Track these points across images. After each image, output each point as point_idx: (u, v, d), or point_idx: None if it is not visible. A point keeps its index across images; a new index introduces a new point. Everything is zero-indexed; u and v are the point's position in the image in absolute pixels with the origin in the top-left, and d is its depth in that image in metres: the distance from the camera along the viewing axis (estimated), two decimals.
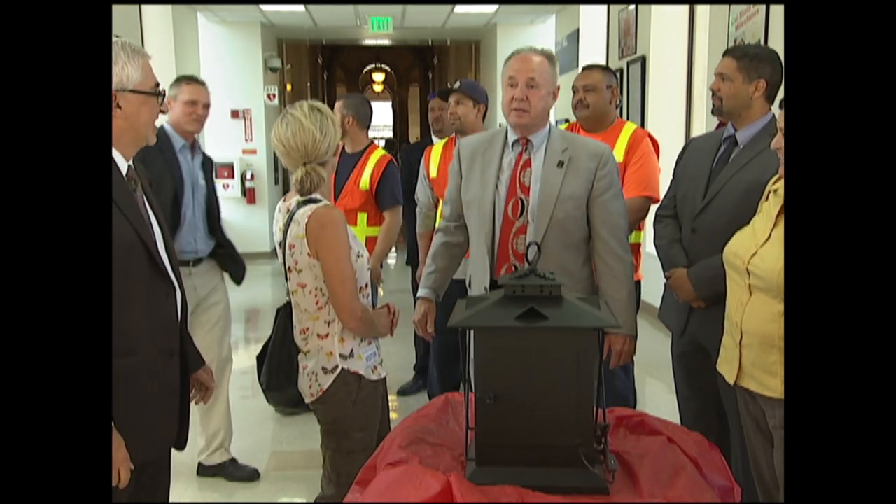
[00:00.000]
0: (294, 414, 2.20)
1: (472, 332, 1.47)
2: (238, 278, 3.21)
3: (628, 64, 6.32)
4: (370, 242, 3.48)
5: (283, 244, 2.07)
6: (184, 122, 2.99)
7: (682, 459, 1.46)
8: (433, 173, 3.60)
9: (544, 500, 1.32)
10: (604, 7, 7.00)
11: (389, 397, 2.30)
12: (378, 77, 22.40)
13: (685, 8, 5.48)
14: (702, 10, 5.24)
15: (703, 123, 5.02)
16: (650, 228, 2.61)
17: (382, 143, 13.93)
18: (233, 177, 8.79)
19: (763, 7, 4.14)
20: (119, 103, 1.60)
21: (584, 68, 3.18)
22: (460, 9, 8.69)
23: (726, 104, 2.28)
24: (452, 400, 1.75)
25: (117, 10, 5.35)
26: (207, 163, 3.17)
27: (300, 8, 8.54)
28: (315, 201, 2.01)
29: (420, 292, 2.46)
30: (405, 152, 4.72)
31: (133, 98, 1.61)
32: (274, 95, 9.38)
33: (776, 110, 2.12)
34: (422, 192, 3.72)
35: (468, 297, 1.57)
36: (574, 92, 3.06)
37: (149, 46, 6.07)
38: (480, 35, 10.69)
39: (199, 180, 3.06)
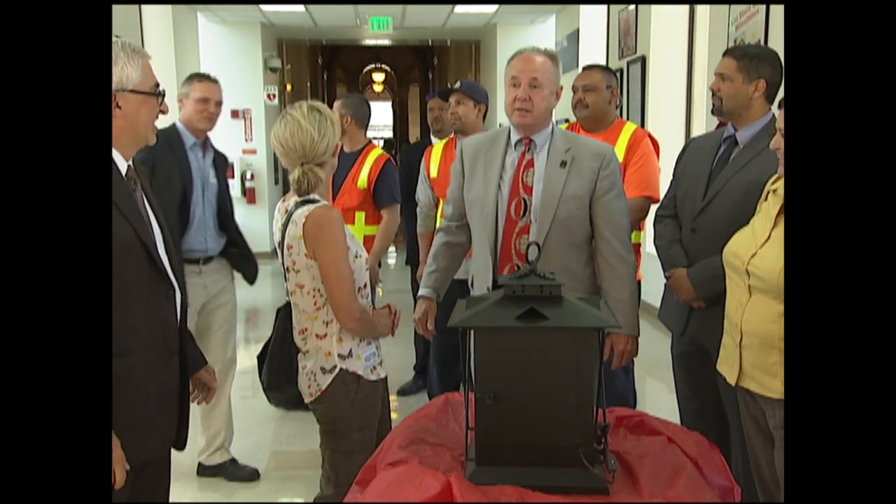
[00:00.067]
0: (297, 410, 2.19)
1: (472, 332, 1.47)
2: (251, 278, 3.20)
3: (628, 64, 6.32)
4: (368, 241, 3.49)
5: (281, 244, 2.07)
6: (195, 120, 2.98)
7: (682, 459, 1.46)
8: (433, 173, 3.60)
9: (544, 500, 1.32)
10: (604, 7, 7.00)
11: (389, 397, 2.30)
12: (378, 77, 22.40)
13: (685, 8, 5.48)
14: (702, 10, 5.24)
15: (703, 123, 5.02)
16: (650, 228, 2.61)
17: (381, 143, 13.94)
18: (233, 177, 8.79)
19: (763, 7, 4.14)
20: (118, 103, 1.59)
21: (583, 68, 3.18)
22: (460, 9, 8.69)
23: (726, 104, 2.28)
24: (452, 400, 1.75)
25: (117, 10, 5.35)
26: (220, 160, 3.14)
27: (300, 8, 8.54)
28: (313, 202, 2.01)
29: (421, 291, 2.46)
30: (405, 152, 4.72)
31: (132, 98, 1.61)
32: (274, 95, 9.38)
33: (775, 110, 2.12)
34: (422, 192, 3.72)
35: (468, 297, 1.57)
36: (574, 92, 3.06)
37: (149, 46, 6.07)
38: (480, 35, 10.69)
39: (209, 178, 3.04)
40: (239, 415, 3.39)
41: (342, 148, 3.62)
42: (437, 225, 3.62)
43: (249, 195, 9.02)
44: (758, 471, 2.01)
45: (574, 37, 7.86)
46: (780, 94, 2.15)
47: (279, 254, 2.11)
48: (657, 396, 4.22)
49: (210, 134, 3.10)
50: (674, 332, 2.49)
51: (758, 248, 1.84)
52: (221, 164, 3.16)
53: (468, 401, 1.52)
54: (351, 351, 2.05)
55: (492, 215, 2.26)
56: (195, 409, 2.10)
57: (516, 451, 1.40)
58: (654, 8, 5.86)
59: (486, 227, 2.27)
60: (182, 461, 3.05)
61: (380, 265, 3.70)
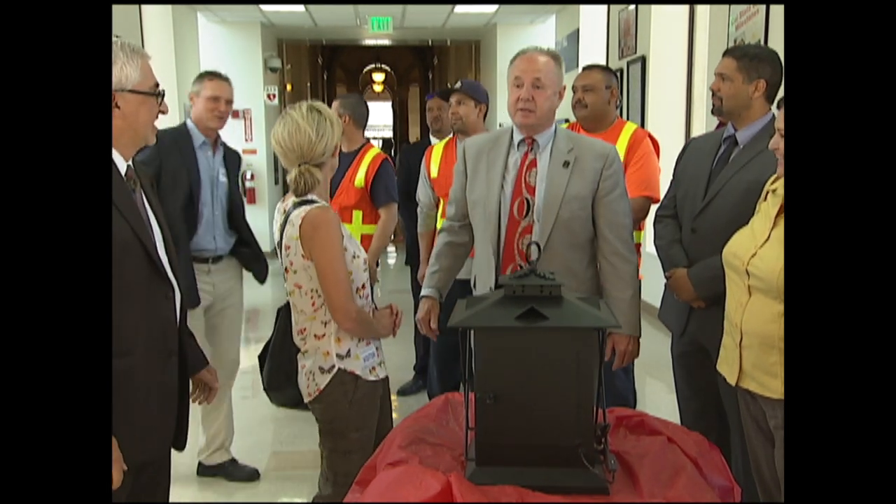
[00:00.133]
0: (298, 409, 2.19)
1: (472, 331, 1.47)
2: (261, 277, 3.19)
3: (628, 64, 6.32)
4: (365, 240, 3.49)
5: (280, 244, 2.07)
6: (206, 119, 2.96)
7: (682, 459, 1.46)
8: (434, 173, 3.61)
9: (544, 500, 1.32)
10: (604, 7, 7.01)
11: (391, 397, 2.30)
12: (378, 77, 22.40)
13: (685, 8, 5.48)
14: (702, 10, 5.24)
15: (703, 123, 5.02)
16: (650, 228, 2.61)
17: (379, 143, 13.93)
18: None
19: (763, 7, 4.14)
20: (118, 103, 1.59)
21: (583, 68, 3.18)
22: (460, 9, 8.69)
23: (726, 104, 2.28)
24: (452, 400, 1.75)
25: (117, 10, 5.35)
26: (231, 158, 3.12)
27: (300, 8, 8.54)
28: (310, 202, 2.01)
29: (424, 291, 2.46)
30: (405, 152, 4.72)
31: (132, 98, 1.61)
32: (274, 95, 9.39)
33: (775, 111, 2.12)
34: (423, 192, 3.72)
35: (468, 297, 1.57)
36: (573, 92, 3.06)
37: (149, 46, 6.07)
38: (480, 35, 10.69)
39: (219, 177, 3.02)
40: (239, 415, 3.39)
41: (340, 148, 3.61)
42: (438, 225, 3.65)
43: (249, 195, 9.02)
44: (758, 471, 2.01)
45: (574, 37, 7.86)
46: (780, 94, 2.15)
47: (279, 254, 2.11)
48: (657, 396, 4.22)
49: None
50: (674, 332, 2.49)
51: (757, 249, 1.84)
52: (232, 162, 3.13)
53: (468, 401, 1.52)
54: (349, 351, 2.05)
55: (494, 215, 2.26)
56: (195, 409, 2.10)
57: (516, 451, 1.40)
58: (654, 8, 5.86)
59: (488, 227, 2.27)
60: (182, 461, 3.05)
61: (378, 265, 3.70)
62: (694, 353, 2.38)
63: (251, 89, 9.03)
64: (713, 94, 2.33)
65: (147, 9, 6.45)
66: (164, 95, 1.70)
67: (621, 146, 2.93)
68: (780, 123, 1.81)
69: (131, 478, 1.61)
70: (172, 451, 1.85)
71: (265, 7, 8.39)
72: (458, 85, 3.58)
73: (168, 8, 7.17)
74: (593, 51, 7.23)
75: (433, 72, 17.76)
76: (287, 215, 2.03)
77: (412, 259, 4.24)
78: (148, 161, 2.84)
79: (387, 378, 2.21)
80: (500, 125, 8.57)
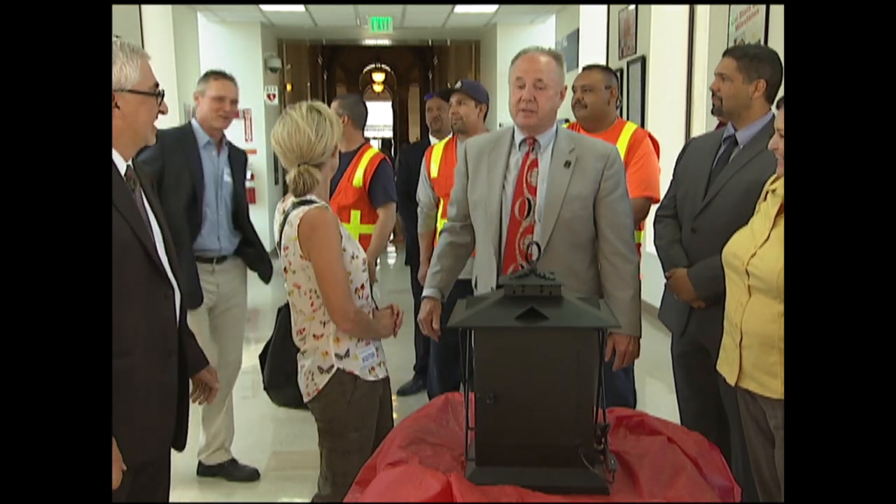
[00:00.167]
0: (299, 409, 2.19)
1: (472, 331, 1.47)
2: (266, 277, 3.18)
3: (628, 64, 6.32)
4: (363, 240, 3.49)
5: (280, 245, 2.07)
6: (210, 119, 2.94)
7: (682, 459, 1.46)
8: (434, 173, 3.61)
9: (544, 500, 1.32)
10: (604, 7, 7.01)
11: (392, 398, 2.30)
12: (378, 77, 22.40)
13: (685, 8, 5.48)
14: (702, 10, 5.24)
15: (703, 123, 5.02)
16: (650, 228, 2.61)
17: (378, 143, 13.93)
18: None
19: (763, 7, 4.14)
20: (117, 103, 1.59)
21: (583, 68, 3.18)
22: (460, 9, 8.69)
23: (726, 104, 2.28)
24: (452, 400, 1.75)
25: (117, 10, 5.35)
26: (236, 157, 3.10)
27: (300, 8, 8.54)
28: (309, 202, 2.01)
29: (425, 292, 2.46)
30: (404, 152, 4.72)
31: (131, 98, 1.61)
32: (274, 95, 9.38)
33: (774, 111, 2.12)
34: (423, 192, 3.72)
35: (468, 297, 1.57)
36: (573, 92, 3.06)
37: (149, 46, 6.08)
38: (480, 35, 10.69)
39: (224, 177, 3.01)
40: (239, 415, 3.39)
41: (338, 147, 3.62)
42: (438, 225, 3.65)
43: (249, 195, 8.96)
44: (758, 471, 2.01)
45: (574, 37, 7.86)
46: (780, 94, 2.15)
47: (279, 254, 2.11)
48: (657, 396, 4.22)
49: None
50: (674, 332, 2.49)
51: (757, 249, 1.84)
52: (238, 161, 3.10)
53: (468, 401, 1.52)
54: (348, 351, 2.05)
55: (496, 216, 2.26)
56: (196, 409, 2.10)
57: (516, 451, 1.40)
58: (654, 8, 5.86)
59: (490, 228, 2.27)
60: (182, 461, 3.05)
61: (377, 264, 3.70)
62: (694, 353, 2.38)
63: (251, 89, 9.02)
64: (713, 94, 2.33)
65: (147, 9, 6.45)
66: (163, 95, 1.70)
67: (621, 146, 2.93)
68: (779, 123, 1.81)
69: (131, 478, 1.61)
70: (173, 451, 1.85)
71: (265, 7, 8.39)
72: (458, 85, 3.58)
73: (168, 8, 7.17)
74: (593, 51, 7.24)
75: (433, 72, 17.76)
76: (286, 215, 2.03)
77: (412, 259, 4.24)
78: (151, 161, 2.84)
79: (387, 378, 2.21)
80: (500, 125, 8.57)
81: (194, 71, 8.02)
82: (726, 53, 2.32)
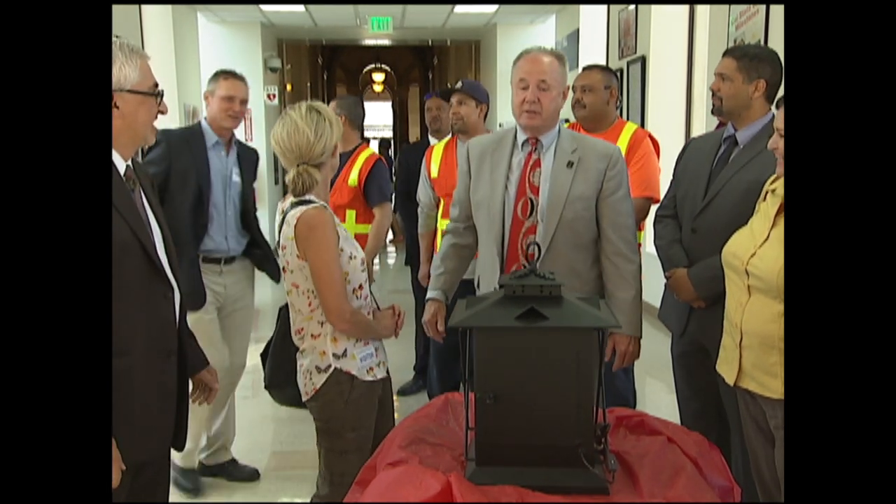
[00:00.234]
0: (300, 408, 2.19)
1: (471, 331, 1.47)
2: (276, 277, 3.13)
3: (628, 64, 6.32)
4: (359, 239, 3.48)
5: (279, 244, 2.07)
6: (220, 119, 2.91)
7: (682, 459, 1.46)
8: (434, 173, 3.61)
9: (544, 500, 1.32)
10: (604, 7, 7.01)
11: (393, 398, 2.30)
12: (378, 77, 22.39)
13: (685, 8, 5.48)
14: (702, 10, 5.24)
15: (703, 123, 5.02)
16: (650, 228, 2.61)
17: (376, 143, 13.91)
18: None
19: (763, 7, 4.14)
20: (116, 103, 1.59)
21: (583, 68, 3.18)
22: (460, 9, 8.69)
23: (726, 104, 2.28)
24: (452, 400, 1.75)
25: (117, 10, 5.35)
26: (246, 156, 3.06)
27: (300, 8, 8.54)
28: (308, 202, 2.01)
29: (429, 293, 2.45)
30: (404, 153, 4.72)
31: (130, 98, 1.61)
32: (274, 95, 9.39)
33: (774, 110, 2.12)
34: (423, 192, 3.72)
35: (468, 297, 1.57)
36: (573, 92, 3.06)
37: (149, 46, 6.08)
38: (480, 35, 10.69)
39: (232, 177, 2.97)
40: (239, 415, 3.39)
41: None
42: (438, 225, 3.65)
43: None
44: (758, 471, 2.01)
45: (574, 37, 7.86)
46: (779, 93, 2.15)
47: (278, 254, 2.11)
48: (657, 396, 4.22)
49: None
50: (674, 332, 2.49)
51: (757, 248, 1.84)
52: (247, 161, 3.07)
53: (468, 401, 1.52)
54: (346, 351, 2.05)
55: (498, 216, 2.26)
56: (197, 409, 2.10)
57: (516, 451, 1.40)
58: (654, 8, 5.87)
59: (492, 228, 2.27)
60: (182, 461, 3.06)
61: (374, 264, 3.71)
62: (694, 353, 2.38)
63: (251, 89, 9.01)
64: (713, 94, 2.32)
65: (147, 9, 6.45)
66: (162, 95, 1.70)
67: (621, 146, 2.92)
68: (779, 123, 1.81)
69: (130, 477, 1.61)
70: (172, 451, 1.85)
71: (265, 7, 8.39)
72: (459, 85, 3.57)
73: (168, 8, 7.17)
74: (593, 51, 7.24)
75: (433, 72, 17.76)
76: (284, 215, 2.04)
77: (412, 259, 4.24)
78: (158, 161, 2.83)
79: (387, 378, 2.21)
80: (500, 125, 8.57)
81: (194, 71, 8.03)
82: (726, 53, 2.32)
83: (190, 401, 1.88)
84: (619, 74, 6.19)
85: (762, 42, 4.05)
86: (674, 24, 5.68)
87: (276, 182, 9.64)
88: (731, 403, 2.18)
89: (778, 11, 3.97)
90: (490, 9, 8.65)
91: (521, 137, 2.29)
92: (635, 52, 6.20)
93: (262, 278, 3.16)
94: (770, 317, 1.78)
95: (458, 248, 2.47)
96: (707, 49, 5.06)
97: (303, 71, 13.87)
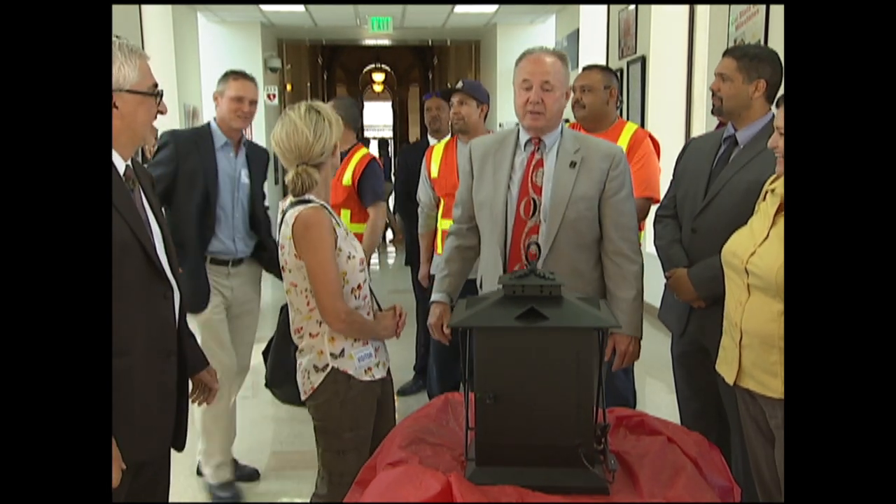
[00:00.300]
0: (302, 406, 2.19)
1: (471, 331, 1.47)
2: None
3: (628, 64, 6.32)
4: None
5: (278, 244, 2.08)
6: (229, 119, 2.89)
7: (682, 459, 1.46)
8: (434, 173, 3.61)
9: (544, 500, 1.32)
10: (604, 7, 7.01)
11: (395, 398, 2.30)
12: (378, 77, 22.40)
13: (685, 8, 5.48)
14: (702, 10, 5.24)
15: (703, 123, 5.02)
16: (650, 228, 2.61)
17: (375, 143, 13.92)
18: None
19: (763, 7, 4.14)
20: (116, 103, 1.59)
21: (583, 68, 3.18)
22: (460, 9, 8.69)
23: (726, 104, 2.28)
24: (452, 400, 1.75)
25: (117, 10, 5.35)
26: (255, 157, 3.03)
27: (300, 8, 8.54)
28: (307, 202, 2.01)
29: (434, 296, 2.46)
30: (404, 153, 4.73)
31: (130, 98, 1.61)
32: (274, 95, 9.39)
33: (774, 109, 2.12)
34: (423, 193, 3.72)
35: (468, 297, 1.57)
36: (573, 92, 3.06)
37: (149, 46, 6.08)
38: (480, 35, 10.69)
39: (241, 179, 2.95)
40: (239, 415, 3.38)
41: None
42: (438, 225, 3.65)
43: None
44: (757, 471, 2.01)
45: (574, 37, 7.86)
46: (779, 93, 2.15)
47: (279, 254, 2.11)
48: (657, 396, 4.22)
49: None
50: (674, 332, 2.49)
51: (756, 247, 1.84)
52: (257, 161, 3.04)
53: (468, 401, 1.52)
54: (343, 350, 2.05)
55: (501, 216, 2.26)
56: (197, 409, 2.10)
57: (516, 451, 1.40)
58: (654, 8, 5.87)
59: (495, 228, 2.27)
60: (182, 461, 3.05)
61: (370, 263, 3.71)
62: (694, 354, 2.38)
63: None
64: (713, 95, 2.32)
65: (147, 9, 6.45)
66: (162, 95, 1.70)
67: (622, 146, 2.93)
68: (779, 121, 1.81)
69: (130, 477, 1.61)
70: (172, 451, 1.84)
71: (265, 7, 8.39)
72: (459, 85, 3.57)
73: (168, 8, 7.17)
74: (593, 51, 7.24)
75: (433, 72, 17.77)
76: (283, 215, 2.04)
77: (412, 259, 4.24)
78: (167, 162, 2.82)
79: (388, 378, 2.21)
80: (500, 125, 8.57)
81: (194, 71, 8.03)
82: (726, 53, 2.32)
83: (190, 401, 1.88)
84: (619, 74, 6.19)
85: (762, 42, 4.05)
86: (674, 24, 5.68)
87: (277, 182, 9.64)
88: (730, 403, 2.18)
89: (778, 11, 3.97)
90: (490, 9, 8.65)
91: (524, 137, 2.29)
92: (635, 52, 6.20)
93: (265, 278, 3.15)
94: (770, 316, 1.78)
95: (462, 250, 2.47)
96: (707, 49, 5.06)
97: (303, 71, 13.88)
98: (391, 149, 17.56)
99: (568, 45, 8.01)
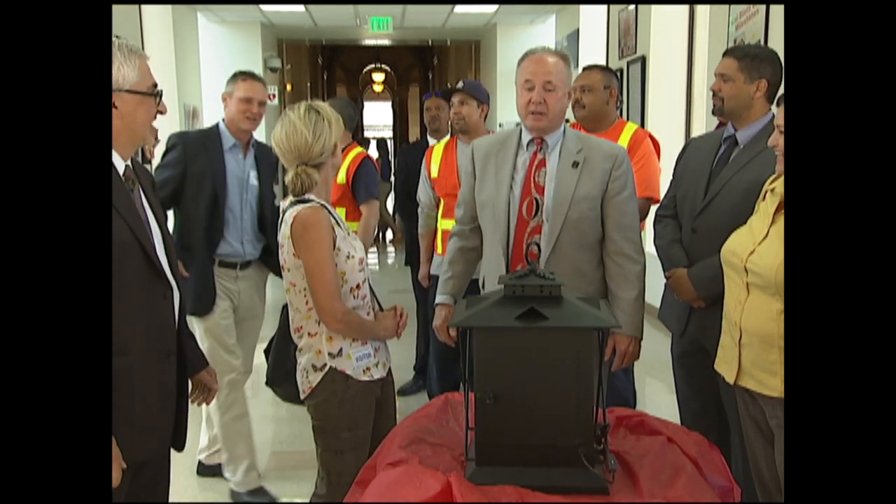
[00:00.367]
0: (302, 405, 2.19)
1: (471, 331, 1.47)
2: None
3: (628, 64, 6.32)
4: None
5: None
6: (238, 120, 2.87)
7: (682, 459, 1.46)
8: (434, 173, 3.61)
9: (544, 500, 1.32)
10: (604, 7, 7.01)
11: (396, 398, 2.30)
12: (378, 77, 22.40)
13: (685, 8, 5.48)
14: (702, 10, 5.24)
15: (703, 123, 5.02)
16: (650, 228, 2.61)
17: (374, 143, 13.92)
18: None
19: (763, 7, 4.14)
20: (115, 103, 1.59)
21: (583, 69, 3.18)
22: (460, 9, 8.70)
23: (728, 104, 2.28)
24: (452, 400, 1.75)
25: (117, 10, 5.35)
26: (263, 158, 3.01)
27: (300, 8, 8.54)
28: (306, 202, 2.01)
29: (438, 298, 2.46)
30: (404, 152, 4.73)
31: (129, 98, 1.61)
32: (274, 95, 9.38)
33: (774, 109, 2.12)
34: (423, 192, 3.72)
35: (468, 297, 1.57)
36: (573, 92, 3.06)
37: (149, 46, 6.09)
38: (480, 35, 10.69)
39: (250, 180, 2.93)
40: None
41: None
42: (438, 225, 3.65)
43: None
44: (757, 471, 2.01)
45: (574, 37, 7.86)
46: (779, 92, 2.15)
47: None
48: (657, 396, 4.22)
49: None
50: (674, 332, 2.49)
51: (756, 246, 1.84)
52: (266, 162, 3.02)
53: (468, 401, 1.52)
54: (341, 350, 2.05)
55: (503, 216, 2.26)
56: (197, 410, 2.09)
57: (516, 451, 1.40)
58: (654, 8, 5.87)
59: (497, 228, 2.27)
60: (182, 461, 3.05)
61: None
62: (694, 353, 2.38)
63: None
64: (714, 95, 2.32)
65: (147, 9, 6.45)
66: (161, 95, 1.70)
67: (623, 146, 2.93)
68: (779, 120, 1.81)
69: (130, 477, 1.61)
70: (172, 451, 1.84)
71: (265, 7, 8.39)
72: (460, 85, 3.57)
73: (168, 8, 7.17)
74: (593, 51, 7.24)
75: (433, 72, 17.77)
76: (283, 214, 2.04)
77: (412, 259, 4.24)
78: (175, 163, 2.82)
79: (388, 379, 2.20)
80: (500, 125, 8.57)
81: (194, 71, 8.03)
82: (727, 53, 2.32)
83: (189, 401, 1.88)
84: (619, 74, 6.19)
85: (762, 42, 4.05)
86: (674, 24, 5.68)
87: (277, 182, 9.63)
88: (730, 403, 2.18)
89: (778, 11, 3.97)
90: (490, 9, 8.65)
91: (526, 137, 2.29)
92: (635, 52, 6.20)
93: (269, 279, 3.15)
94: (769, 314, 1.78)
95: (465, 252, 2.46)
96: (707, 49, 5.06)
97: (303, 71, 13.88)
98: (391, 149, 17.60)
99: (568, 45, 8.01)
